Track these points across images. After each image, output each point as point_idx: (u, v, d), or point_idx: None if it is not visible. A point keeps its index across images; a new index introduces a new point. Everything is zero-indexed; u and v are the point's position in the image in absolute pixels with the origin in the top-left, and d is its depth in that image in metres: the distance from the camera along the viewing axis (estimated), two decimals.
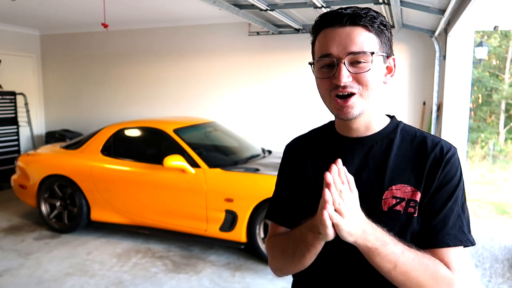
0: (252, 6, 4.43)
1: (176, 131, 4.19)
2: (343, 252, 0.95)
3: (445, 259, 0.91)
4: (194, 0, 4.13)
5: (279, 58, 6.10)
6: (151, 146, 4.50)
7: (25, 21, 6.79)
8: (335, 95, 0.93)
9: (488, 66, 15.68)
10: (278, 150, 4.90)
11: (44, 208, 4.54)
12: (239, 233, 3.68)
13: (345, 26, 0.91)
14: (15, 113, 6.77)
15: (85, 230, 4.48)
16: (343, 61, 0.90)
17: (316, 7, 4.21)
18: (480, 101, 16.32)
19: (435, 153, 0.95)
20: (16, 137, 6.76)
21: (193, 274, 3.55)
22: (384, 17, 0.96)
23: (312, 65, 0.98)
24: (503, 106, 15.61)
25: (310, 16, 5.10)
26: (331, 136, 1.06)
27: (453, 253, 0.92)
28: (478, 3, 3.29)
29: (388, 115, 1.06)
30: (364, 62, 0.91)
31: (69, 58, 7.51)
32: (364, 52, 0.90)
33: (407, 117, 5.59)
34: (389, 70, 0.99)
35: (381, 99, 0.98)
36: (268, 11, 4.55)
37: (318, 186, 0.95)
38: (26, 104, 7.06)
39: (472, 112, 15.28)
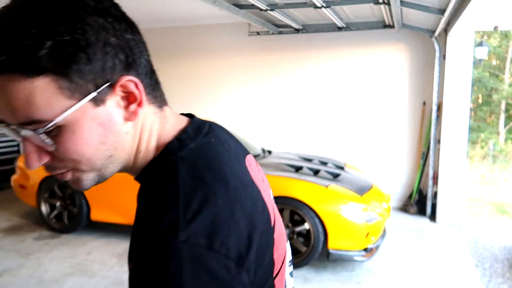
0: (252, 6, 4.43)
1: None
2: None
3: None
4: (194, 0, 4.14)
5: (279, 58, 6.10)
6: None
7: None
8: None
9: (488, 66, 15.70)
10: (278, 150, 4.90)
11: (44, 208, 4.53)
12: None
13: None
14: None
15: (85, 230, 4.48)
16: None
17: (316, 7, 4.21)
18: (480, 101, 16.34)
19: None
20: None
21: None
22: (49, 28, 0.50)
23: None
24: (503, 106, 15.64)
25: (310, 16, 5.10)
26: None
27: None
28: (478, 3, 3.29)
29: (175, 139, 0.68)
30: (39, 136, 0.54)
31: None
32: (30, 123, 0.53)
33: (407, 117, 5.59)
34: (131, 98, 0.59)
35: (134, 141, 0.64)
36: (268, 11, 4.55)
37: None
38: None
39: (472, 112, 15.29)
